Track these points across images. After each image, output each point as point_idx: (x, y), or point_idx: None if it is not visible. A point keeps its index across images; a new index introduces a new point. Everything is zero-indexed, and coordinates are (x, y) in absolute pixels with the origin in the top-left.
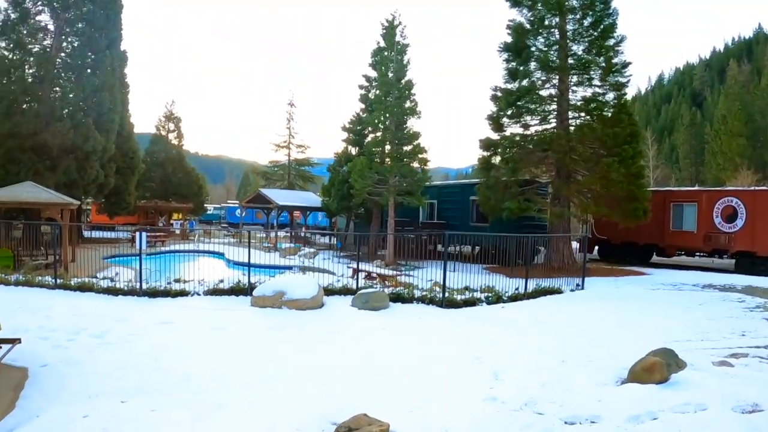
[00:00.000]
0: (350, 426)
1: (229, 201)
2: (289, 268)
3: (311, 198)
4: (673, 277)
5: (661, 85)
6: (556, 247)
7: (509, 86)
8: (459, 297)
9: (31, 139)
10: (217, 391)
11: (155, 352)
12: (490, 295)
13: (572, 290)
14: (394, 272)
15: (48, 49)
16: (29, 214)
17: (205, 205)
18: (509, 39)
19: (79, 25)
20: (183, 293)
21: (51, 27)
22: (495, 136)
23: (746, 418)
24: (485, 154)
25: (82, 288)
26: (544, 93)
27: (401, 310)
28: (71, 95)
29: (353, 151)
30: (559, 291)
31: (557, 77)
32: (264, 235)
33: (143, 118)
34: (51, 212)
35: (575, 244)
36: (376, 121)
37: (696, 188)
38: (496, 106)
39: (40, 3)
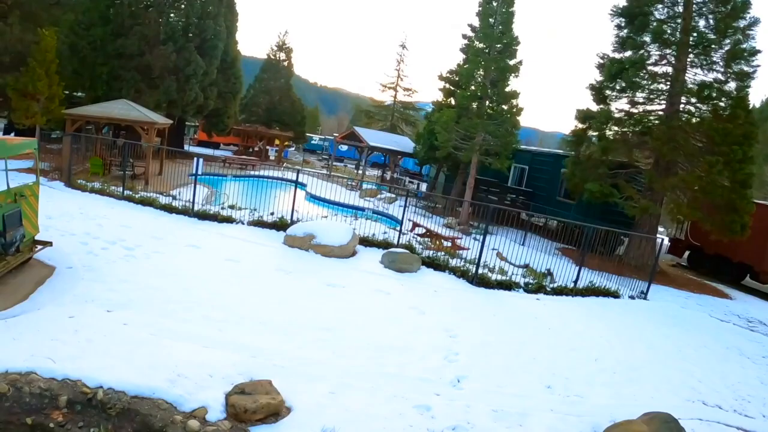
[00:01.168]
0: (244, 389)
1: (334, 134)
2: (362, 209)
3: (404, 142)
4: (753, 310)
5: None
6: (637, 243)
7: (617, 55)
8: (494, 277)
9: (135, 59)
10: (178, 320)
11: (163, 271)
12: (531, 281)
13: (631, 297)
14: (458, 234)
15: None
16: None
17: (310, 135)
18: (624, 2)
19: None
20: (228, 220)
21: None
22: (595, 108)
23: None
24: (580, 126)
25: (144, 202)
26: (655, 70)
27: (425, 278)
28: (178, 21)
29: (452, 101)
30: (615, 294)
31: (673, 54)
32: (355, 171)
33: (261, 44)
34: (142, 129)
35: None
36: (473, 73)
37: None
38: (601, 75)
39: None
